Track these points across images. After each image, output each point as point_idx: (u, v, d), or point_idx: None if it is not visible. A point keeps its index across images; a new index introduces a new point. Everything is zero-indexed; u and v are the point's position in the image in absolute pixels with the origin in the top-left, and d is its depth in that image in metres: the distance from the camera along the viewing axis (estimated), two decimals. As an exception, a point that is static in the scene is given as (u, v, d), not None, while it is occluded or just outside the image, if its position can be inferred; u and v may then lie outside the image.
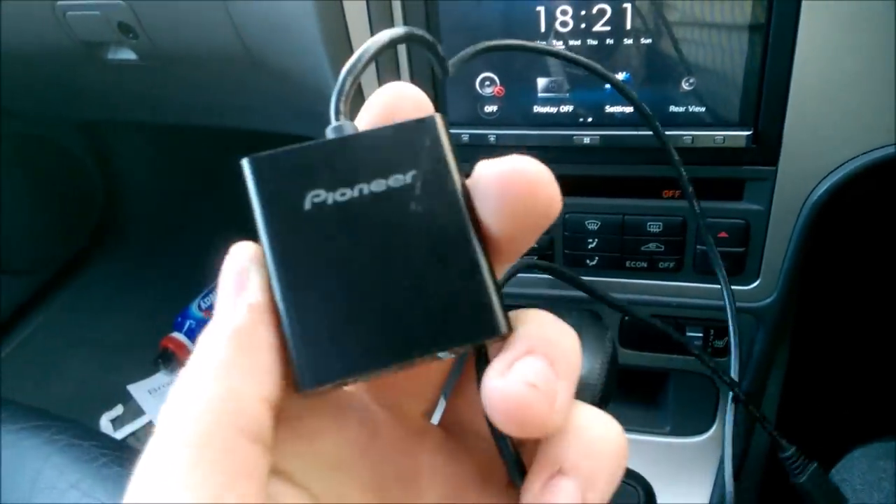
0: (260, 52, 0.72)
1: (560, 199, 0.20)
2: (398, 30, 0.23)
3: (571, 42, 0.55)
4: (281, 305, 0.20)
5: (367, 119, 0.22)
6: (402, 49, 0.59)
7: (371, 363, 0.20)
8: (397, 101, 0.22)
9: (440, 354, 0.20)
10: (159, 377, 1.28)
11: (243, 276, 0.20)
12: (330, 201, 0.20)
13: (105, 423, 1.19)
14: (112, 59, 0.81)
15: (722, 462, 0.51)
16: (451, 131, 0.67)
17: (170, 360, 1.27)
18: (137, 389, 1.26)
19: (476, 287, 0.20)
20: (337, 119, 0.21)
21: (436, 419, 0.25)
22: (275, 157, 0.20)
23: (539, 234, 0.20)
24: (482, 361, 0.21)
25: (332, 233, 0.20)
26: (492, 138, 0.59)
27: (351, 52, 0.61)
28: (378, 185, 0.20)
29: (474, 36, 0.57)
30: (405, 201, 0.20)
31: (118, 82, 0.92)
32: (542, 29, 0.55)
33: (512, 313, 0.21)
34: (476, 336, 0.20)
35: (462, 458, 0.23)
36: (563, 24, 0.55)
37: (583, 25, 0.54)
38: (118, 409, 1.22)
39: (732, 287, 0.63)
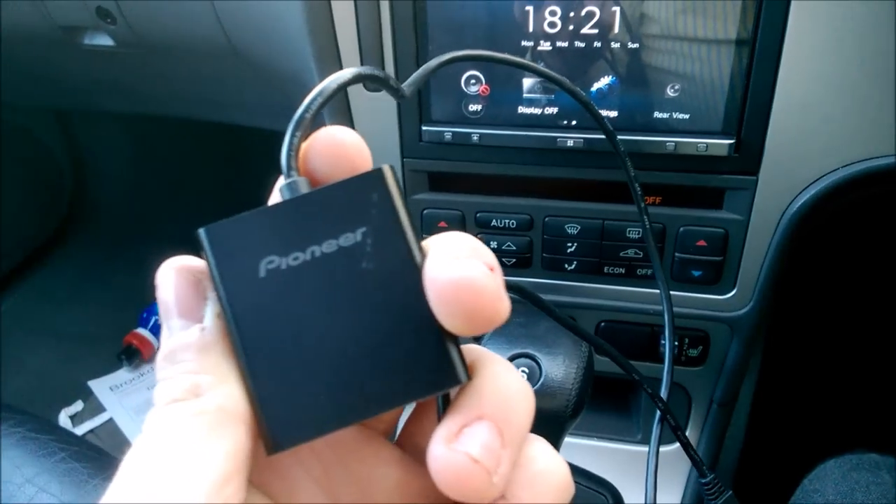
0: (243, 45, 0.71)
1: (508, 306, 0.20)
2: (346, 73, 0.23)
3: (559, 43, 0.55)
4: (247, 372, 0.20)
5: (311, 168, 0.22)
6: (388, 39, 0.58)
7: (338, 421, 0.20)
8: (337, 150, 0.22)
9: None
10: (121, 374, 1.25)
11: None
12: (284, 266, 0.20)
13: (64, 419, 1.16)
14: (88, 45, 0.80)
15: (646, 471, 0.52)
16: (434, 129, 0.66)
17: (133, 356, 1.24)
18: (98, 385, 1.23)
19: (431, 339, 0.20)
20: (289, 175, 0.22)
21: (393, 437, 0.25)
22: (229, 225, 0.21)
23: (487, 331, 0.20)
24: (446, 404, 0.21)
25: (288, 297, 0.20)
26: (475, 137, 0.59)
27: (337, 49, 0.60)
28: (329, 246, 0.21)
29: (462, 35, 0.57)
30: (356, 260, 0.21)
31: (94, 71, 0.90)
32: (531, 29, 0.55)
33: (470, 354, 0.21)
34: (437, 387, 0.21)
35: (415, 476, 0.23)
36: (552, 24, 0.55)
37: (571, 27, 0.54)
38: (78, 405, 1.19)
39: (709, 296, 0.63)
